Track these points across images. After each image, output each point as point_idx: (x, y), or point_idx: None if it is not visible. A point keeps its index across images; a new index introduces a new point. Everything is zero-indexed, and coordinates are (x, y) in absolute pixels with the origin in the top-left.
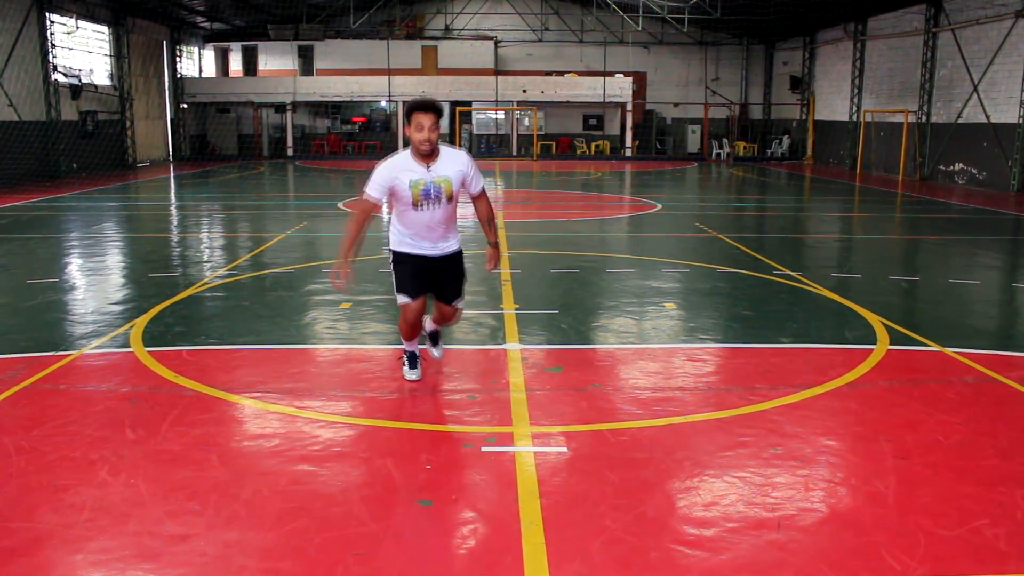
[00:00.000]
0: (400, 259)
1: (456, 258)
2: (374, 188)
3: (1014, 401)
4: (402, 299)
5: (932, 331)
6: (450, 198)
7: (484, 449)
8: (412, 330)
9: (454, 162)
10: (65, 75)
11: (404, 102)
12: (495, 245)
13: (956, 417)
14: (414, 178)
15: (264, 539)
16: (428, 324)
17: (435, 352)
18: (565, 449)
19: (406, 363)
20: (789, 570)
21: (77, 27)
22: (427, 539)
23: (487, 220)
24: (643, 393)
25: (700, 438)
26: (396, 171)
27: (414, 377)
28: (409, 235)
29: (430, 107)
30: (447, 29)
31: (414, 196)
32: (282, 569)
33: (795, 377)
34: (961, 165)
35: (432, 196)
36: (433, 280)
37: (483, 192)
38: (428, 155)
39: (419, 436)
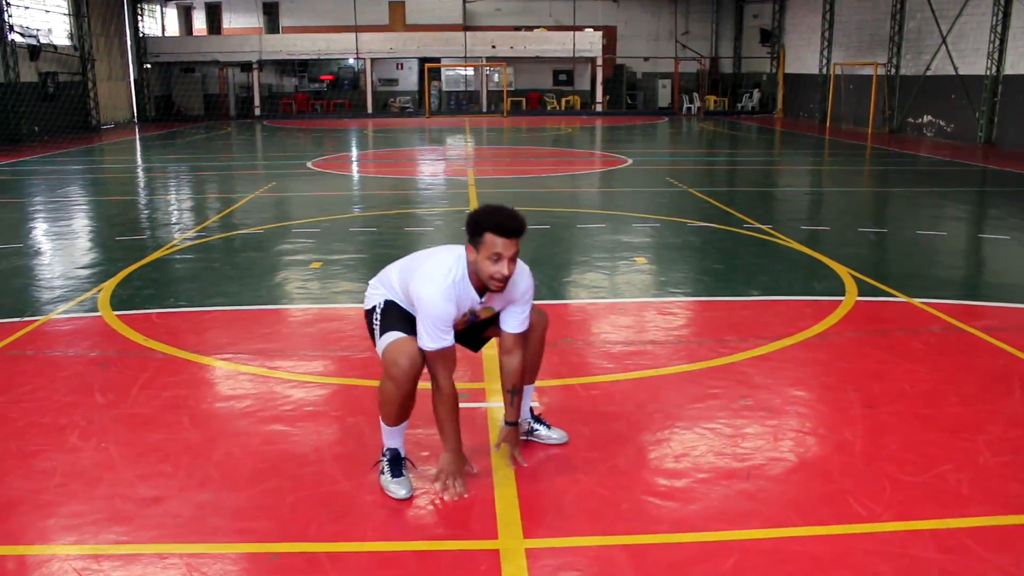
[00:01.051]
0: (391, 307)
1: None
2: (445, 331)
3: (978, 350)
4: (394, 336)
5: (900, 282)
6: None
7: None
8: (401, 402)
9: (512, 290)
10: (22, 35)
11: (480, 218)
12: (513, 426)
13: (922, 366)
14: (468, 307)
15: (237, 499)
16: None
17: (553, 435)
18: (537, 403)
19: (386, 468)
20: (758, 518)
21: None
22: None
23: (512, 384)
24: (614, 347)
25: (671, 391)
26: (460, 301)
27: (404, 493)
28: None
29: (518, 230)
30: None
31: (457, 324)
32: (256, 528)
33: (765, 329)
34: (929, 117)
35: (468, 320)
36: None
37: (527, 331)
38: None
39: None
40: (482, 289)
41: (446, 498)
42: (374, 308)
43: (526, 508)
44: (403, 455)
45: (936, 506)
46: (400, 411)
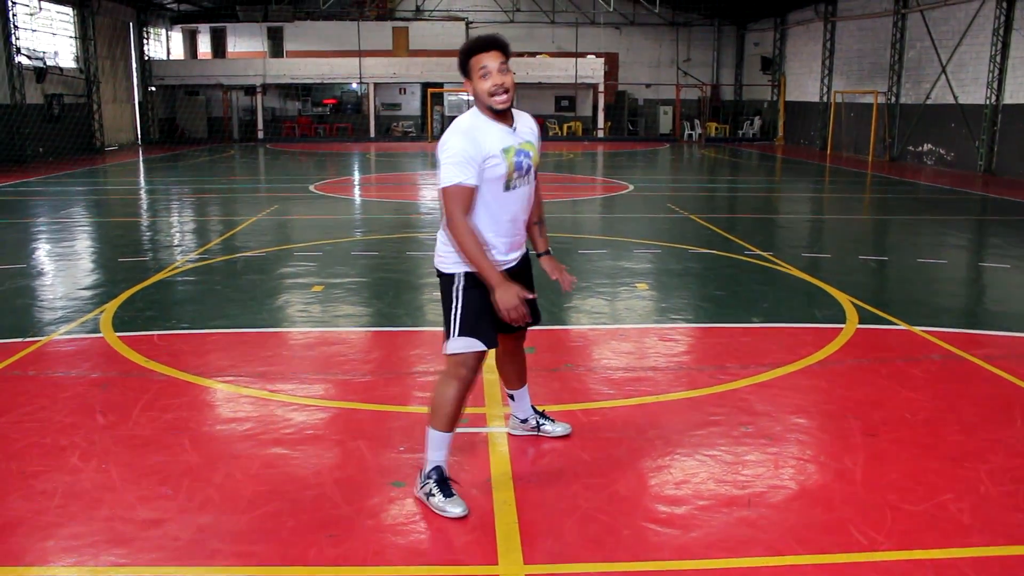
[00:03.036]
0: (471, 284)
1: (524, 263)
2: (463, 167)
3: (979, 378)
4: (472, 345)
5: (900, 310)
6: (535, 173)
7: (457, 430)
8: (456, 411)
9: (528, 122)
10: (29, 58)
11: (464, 49)
12: (548, 255)
13: (923, 394)
14: (507, 143)
15: (237, 522)
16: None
17: (557, 428)
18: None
19: (436, 489)
20: (759, 546)
21: (40, 8)
22: (400, 521)
23: (537, 216)
24: (615, 373)
25: (671, 417)
26: (485, 135)
27: (460, 512)
28: (493, 238)
29: (492, 43)
30: (418, 10)
31: (509, 170)
32: (256, 552)
33: (765, 356)
34: (929, 146)
35: (524, 169)
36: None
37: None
38: (505, 112)
39: (392, 418)
40: (506, 122)
41: (513, 318)
42: (454, 278)
43: (526, 534)
44: (447, 473)
45: (938, 536)
46: (455, 415)
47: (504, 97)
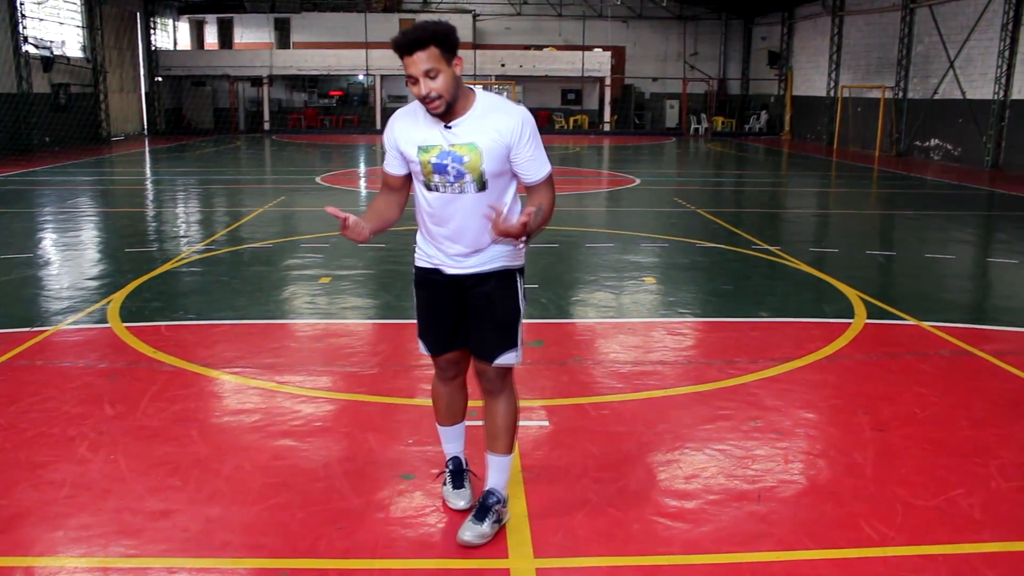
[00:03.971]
0: (418, 281)
1: (493, 280)
2: (387, 154)
3: (988, 374)
4: (422, 347)
5: (908, 305)
6: (481, 182)
7: (466, 423)
8: (441, 406)
9: (493, 120)
10: (36, 47)
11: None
12: (523, 228)
13: (932, 390)
14: (429, 141)
15: (247, 514)
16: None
17: (468, 537)
18: (547, 423)
19: (448, 479)
20: (770, 541)
21: None
22: (410, 514)
23: (537, 202)
24: (624, 367)
25: (680, 411)
26: (404, 127)
27: (462, 504)
28: (428, 237)
29: (411, 42)
30: (425, 2)
31: (424, 169)
32: (265, 544)
33: (774, 350)
34: (937, 141)
35: (450, 172)
36: (462, 317)
37: (544, 183)
38: (445, 113)
39: (400, 410)
40: (446, 118)
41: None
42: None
43: (536, 528)
44: (463, 463)
45: (949, 531)
46: (442, 412)
47: (436, 103)
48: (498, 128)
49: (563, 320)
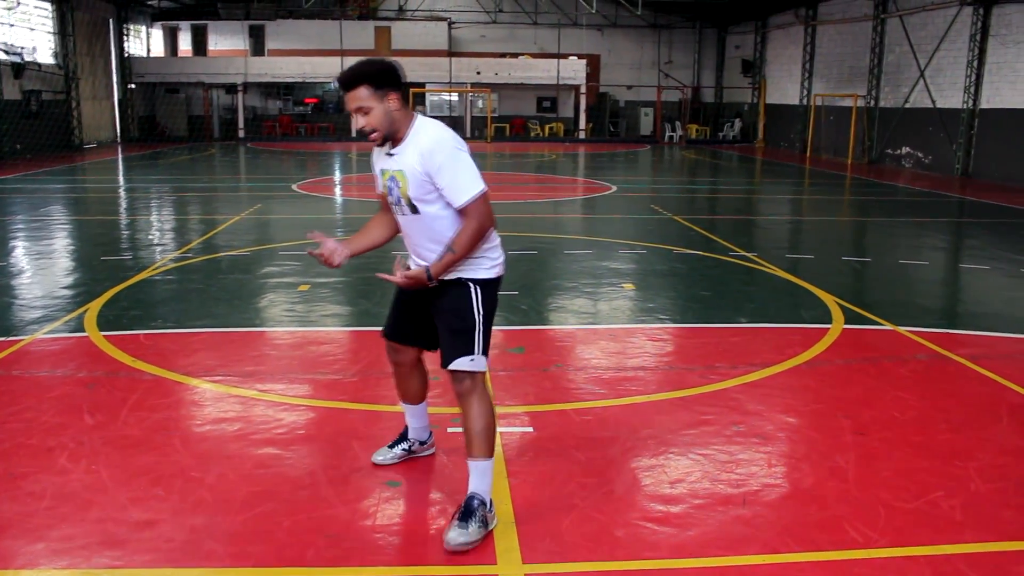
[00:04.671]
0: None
1: (447, 290)
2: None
3: (965, 378)
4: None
5: (885, 310)
6: (411, 206)
7: (450, 430)
8: (398, 382)
9: (412, 148)
10: (7, 52)
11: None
12: (426, 274)
13: (910, 393)
14: (383, 166)
15: (232, 523)
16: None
17: (453, 538)
18: (531, 429)
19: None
20: (756, 544)
21: (18, 2)
22: (396, 521)
23: (451, 240)
24: (605, 373)
25: (663, 416)
26: (376, 153)
27: (378, 458)
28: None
29: (345, 82)
30: (400, 10)
31: (384, 191)
32: (252, 552)
33: (754, 356)
34: (908, 149)
35: (394, 195)
36: (422, 320)
37: (471, 207)
38: (386, 142)
39: (383, 418)
40: (393, 144)
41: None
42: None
43: (523, 534)
44: (406, 437)
45: (931, 532)
46: (398, 387)
47: (372, 136)
48: (415, 156)
49: (543, 327)
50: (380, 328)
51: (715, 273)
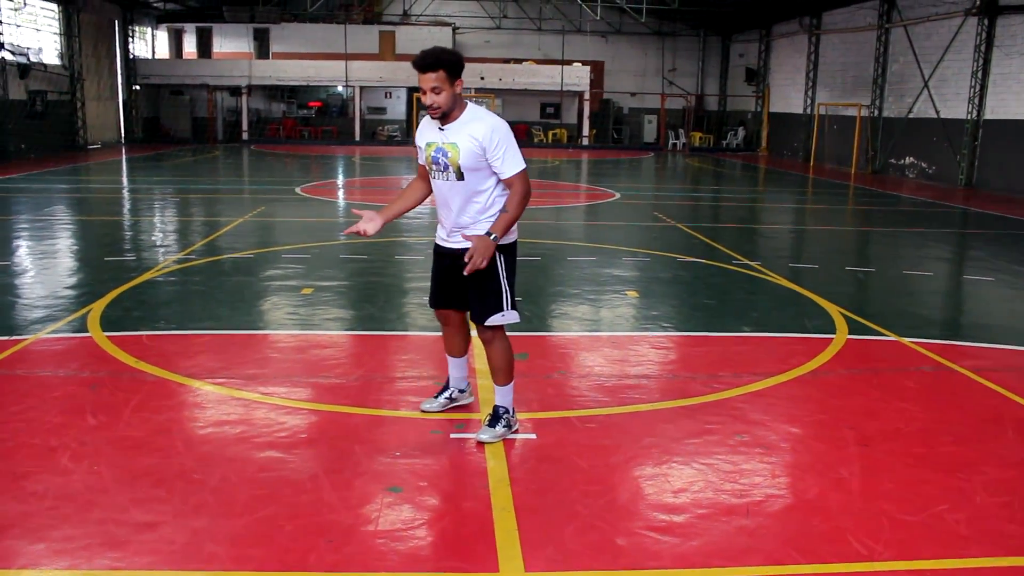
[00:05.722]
0: (433, 252)
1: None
2: (417, 150)
3: (970, 390)
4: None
5: (889, 321)
6: (459, 173)
7: (453, 436)
8: (446, 340)
9: (473, 126)
10: (13, 53)
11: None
12: (488, 236)
13: (915, 405)
14: (430, 139)
15: (234, 526)
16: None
17: (484, 437)
18: (534, 436)
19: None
20: (759, 555)
21: (25, 3)
22: (399, 526)
23: (507, 206)
24: (608, 380)
25: (667, 425)
26: (422, 128)
27: (424, 406)
28: (438, 219)
29: (426, 64)
30: (405, 14)
31: (427, 159)
32: (253, 556)
33: (757, 365)
34: (911, 159)
35: (441, 163)
36: (458, 287)
37: (516, 178)
38: (446, 115)
39: (386, 423)
40: (443, 121)
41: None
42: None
43: (526, 541)
44: (448, 387)
45: (935, 546)
46: (445, 347)
47: (435, 111)
48: (473, 134)
49: (547, 333)
50: (383, 333)
51: (718, 282)
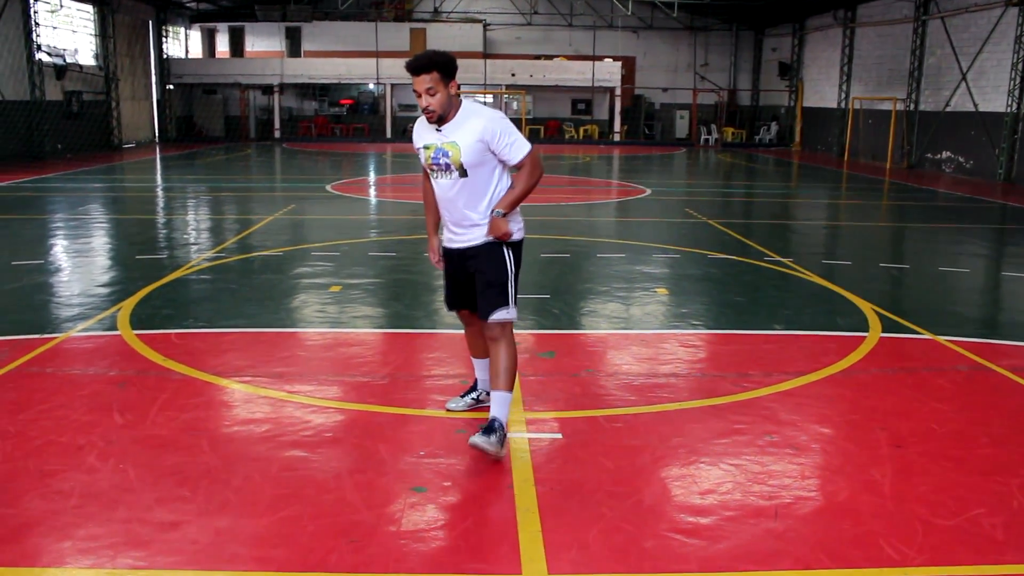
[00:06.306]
0: (443, 255)
1: (482, 251)
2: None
3: (1006, 390)
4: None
5: (923, 319)
6: (462, 171)
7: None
8: (469, 341)
9: (470, 123)
10: (49, 54)
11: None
12: (501, 216)
13: (950, 405)
14: (428, 141)
15: (256, 526)
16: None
17: (478, 440)
18: (559, 435)
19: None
20: (788, 559)
21: (61, 5)
22: (421, 527)
23: (515, 183)
24: (636, 379)
25: (695, 425)
26: (419, 130)
27: (450, 405)
28: (443, 222)
29: (419, 66)
30: (436, 12)
31: (427, 161)
32: (275, 557)
33: (788, 364)
34: (948, 153)
35: (442, 164)
36: (469, 288)
37: (527, 159)
38: (438, 121)
39: (411, 422)
40: (438, 123)
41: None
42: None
43: (550, 543)
44: (475, 388)
45: (970, 552)
46: (470, 348)
47: (431, 114)
48: (472, 130)
49: (575, 331)
50: (410, 331)
51: (749, 279)
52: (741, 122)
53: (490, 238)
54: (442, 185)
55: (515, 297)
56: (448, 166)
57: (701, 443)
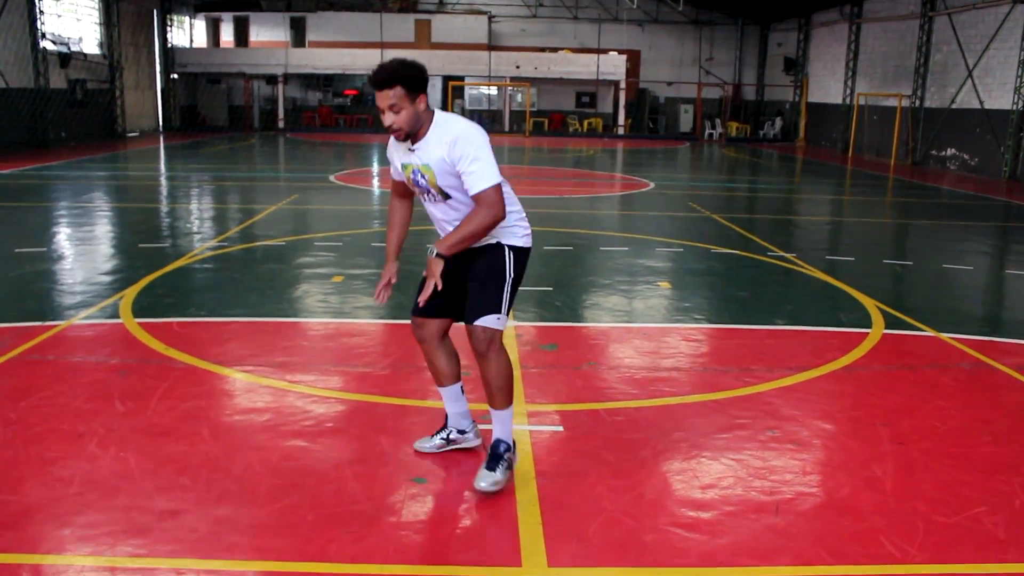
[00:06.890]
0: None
1: (480, 251)
2: (391, 166)
3: (1009, 388)
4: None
5: (927, 316)
6: (443, 194)
7: (480, 427)
8: (428, 363)
9: (436, 142)
10: (54, 42)
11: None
12: (435, 256)
13: (952, 403)
14: (404, 161)
15: (256, 516)
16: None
17: (484, 485)
18: (561, 428)
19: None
20: (788, 555)
21: None
22: (421, 519)
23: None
24: (638, 372)
25: (696, 419)
26: (393, 147)
27: (416, 445)
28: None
29: (380, 80)
30: (441, 3)
31: (408, 182)
32: (275, 546)
33: (791, 359)
34: (953, 150)
35: (422, 186)
36: (452, 291)
37: (484, 195)
38: (409, 138)
39: (412, 412)
40: (411, 141)
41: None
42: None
43: (550, 535)
44: (447, 426)
45: (972, 550)
46: (432, 371)
47: (396, 133)
48: (439, 148)
49: (577, 324)
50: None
51: (752, 273)
52: (746, 117)
53: (492, 240)
54: (429, 208)
55: (508, 307)
56: (428, 189)
57: (703, 437)
